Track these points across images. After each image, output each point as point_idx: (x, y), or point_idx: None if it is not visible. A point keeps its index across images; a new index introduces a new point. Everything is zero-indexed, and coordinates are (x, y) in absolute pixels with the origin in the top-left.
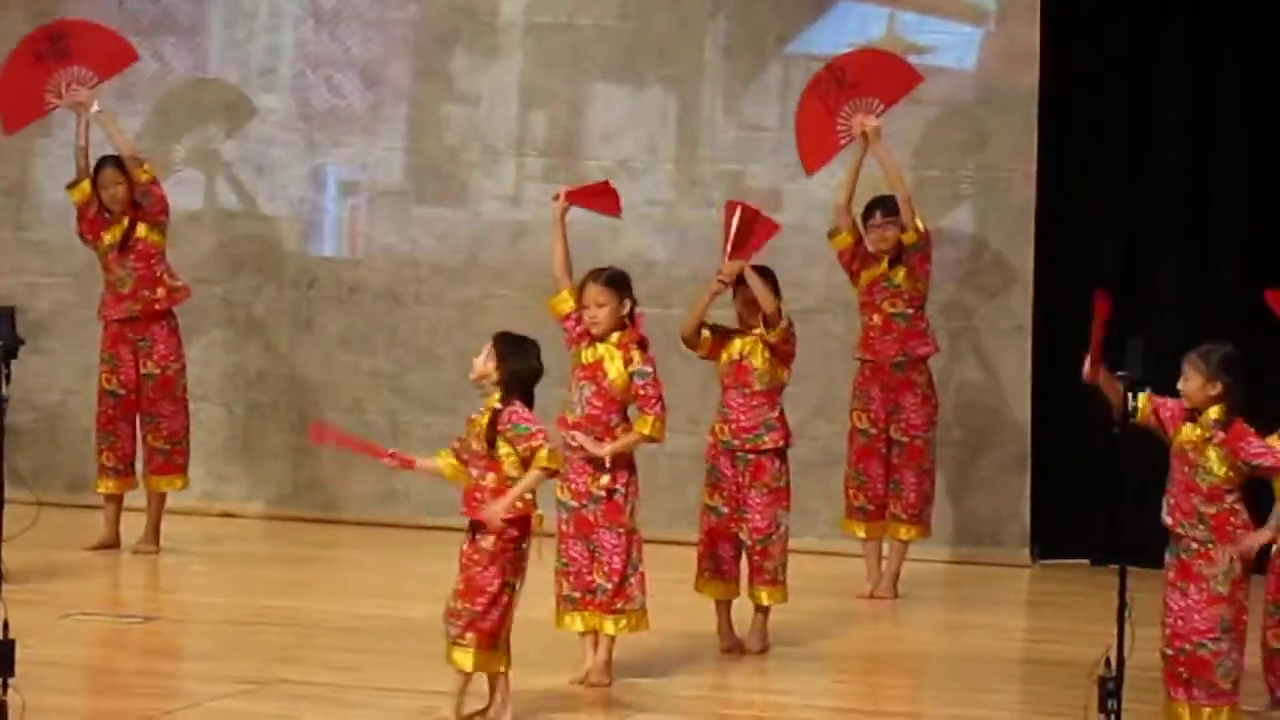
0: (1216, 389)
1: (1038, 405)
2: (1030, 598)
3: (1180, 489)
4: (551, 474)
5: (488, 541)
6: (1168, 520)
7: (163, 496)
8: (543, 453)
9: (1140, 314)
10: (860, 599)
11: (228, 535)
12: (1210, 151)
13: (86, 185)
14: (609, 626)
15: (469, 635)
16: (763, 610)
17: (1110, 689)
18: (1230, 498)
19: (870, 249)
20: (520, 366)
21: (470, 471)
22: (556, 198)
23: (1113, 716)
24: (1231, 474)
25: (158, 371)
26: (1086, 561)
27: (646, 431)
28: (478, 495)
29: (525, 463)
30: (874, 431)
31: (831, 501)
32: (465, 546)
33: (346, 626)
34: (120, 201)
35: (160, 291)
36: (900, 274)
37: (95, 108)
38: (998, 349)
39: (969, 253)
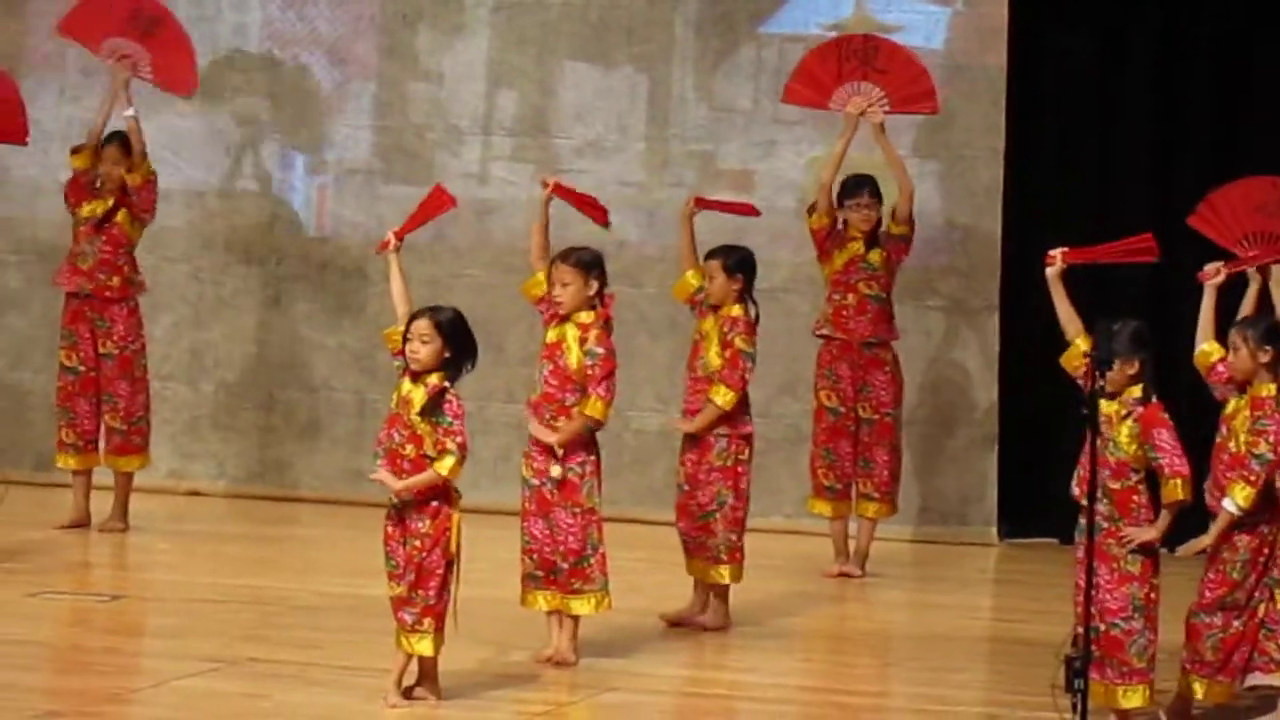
0: (1134, 367)
1: (1005, 384)
2: (997, 577)
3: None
4: (445, 483)
5: (424, 524)
6: (1074, 492)
7: (130, 475)
8: (448, 461)
9: (1109, 293)
10: (827, 577)
11: (195, 514)
12: (1179, 130)
13: (88, 155)
14: (573, 606)
15: (426, 621)
16: (719, 589)
17: (1077, 668)
18: (1135, 476)
19: (848, 227)
20: (469, 343)
21: (392, 434)
22: (545, 184)
23: (1079, 695)
24: (1139, 453)
25: (116, 352)
26: (1054, 540)
27: (587, 412)
28: (400, 464)
29: (436, 450)
30: (843, 410)
31: (797, 480)
32: (391, 528)
33: (312, 605)
34: (113, 180)
35: (116, 280)
36: (876, 255)
37: (131, 111)
38: (966, 328)
39: (937, 231)
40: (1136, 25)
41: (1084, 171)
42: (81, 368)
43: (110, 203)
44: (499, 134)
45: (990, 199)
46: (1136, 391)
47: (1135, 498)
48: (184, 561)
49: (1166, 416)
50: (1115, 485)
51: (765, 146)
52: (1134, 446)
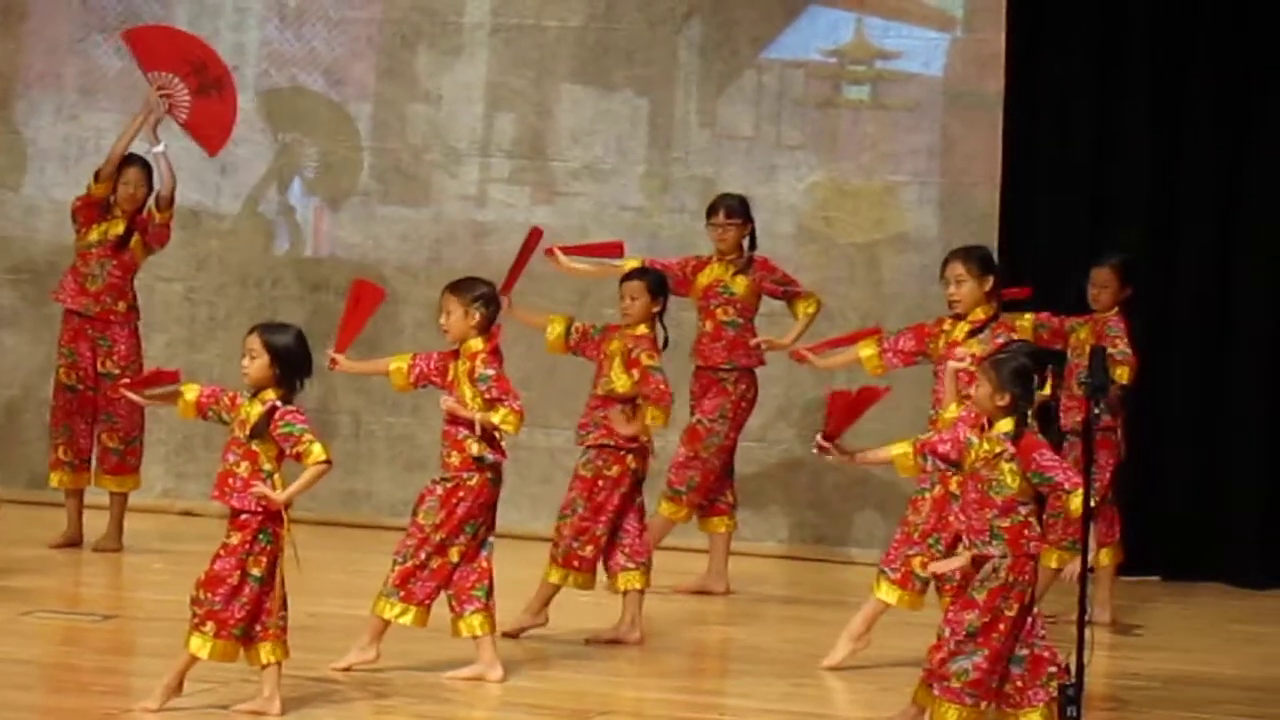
0: (1005, 399)
1: None
2: None
3: (974, 508)
4: (327, 466)
5: (234, 538)
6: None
7: (125, 495)
8: (315, 449)
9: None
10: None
11: (189, 534)
12: (1176, 157)
13: (108, 184)
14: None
15: (208, 624)
16: (632, 597)
17: (1070, 696)
18: (1024, 510)
19: (712, 249)
20: (298, 360)
21: (226, 456)
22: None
23: None
24: (1025, 485)
25: (117, 371)
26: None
27: (497, 421)
28: (230, 481)
29: (296, 458)
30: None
31: (792, 506)
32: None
33: (306, 625)
34: (131, 202)
35: (122, 305)
36: (741, 283)
37: (161, 147)
38: None
39: (934, 258)
40: (1135, 51)
41: (1082, 198)
42: (80, 386)
43: (123, 226)
44: (497, 156)
45: (987, 225)
46: (1008, 425)
47: (1026, 531)
48: (177, 581)
49: (1040, 438)
50: (1005, 523)
51: (766, 171)
52: (1018, 481)
